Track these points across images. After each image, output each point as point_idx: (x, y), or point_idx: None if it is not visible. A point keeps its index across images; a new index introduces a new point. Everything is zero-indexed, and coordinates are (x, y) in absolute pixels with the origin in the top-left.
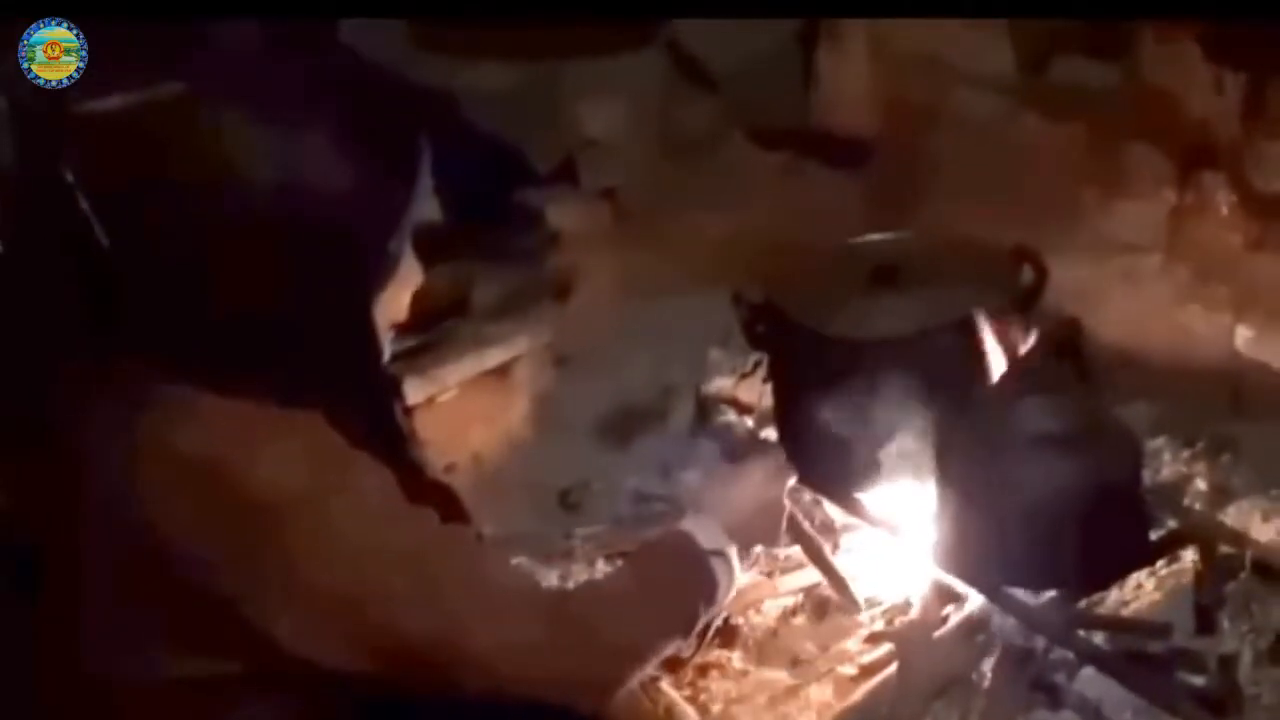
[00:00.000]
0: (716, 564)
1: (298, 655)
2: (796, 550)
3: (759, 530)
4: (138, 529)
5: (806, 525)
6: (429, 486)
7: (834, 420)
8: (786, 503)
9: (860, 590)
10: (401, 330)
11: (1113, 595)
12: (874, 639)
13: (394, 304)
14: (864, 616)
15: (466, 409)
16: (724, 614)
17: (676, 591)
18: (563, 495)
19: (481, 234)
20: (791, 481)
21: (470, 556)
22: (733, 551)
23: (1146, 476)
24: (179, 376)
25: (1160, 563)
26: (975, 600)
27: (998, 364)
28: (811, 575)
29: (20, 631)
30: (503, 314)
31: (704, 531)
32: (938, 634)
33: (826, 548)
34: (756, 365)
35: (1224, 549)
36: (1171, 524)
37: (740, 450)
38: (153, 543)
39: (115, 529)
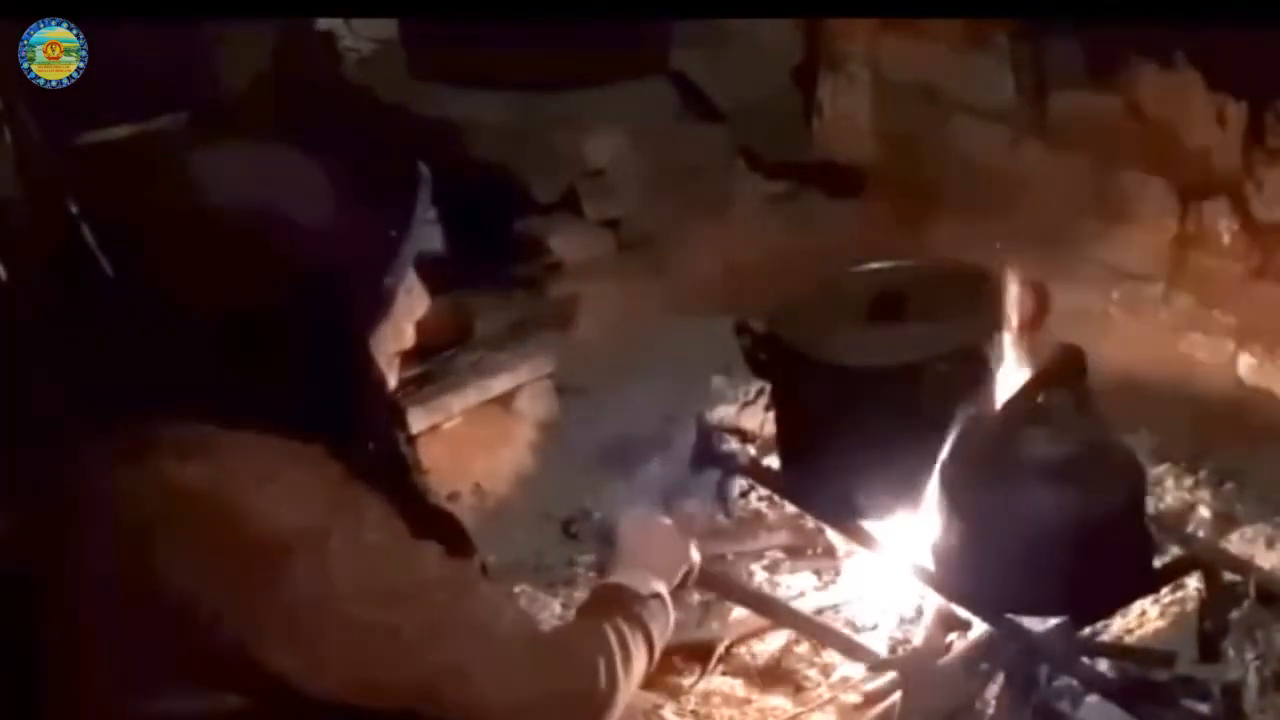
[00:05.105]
0: (654, 605)
1: (298, 689)
2: (798, 579)
3: (672, 564)
4: (139, 563)
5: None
6: (433, 514)
7: (836, 448)
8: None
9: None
10: (406, 359)
11: (1117, 623)
12: (878, 667)
13: (397, 334)
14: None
15: (470, 437)
16: (727, 641)
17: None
18: (565, 523)
19: (485, 264)
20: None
21: (471, 594)
22: (665, 591)
23: (1150, 504)
24: (182, 409)
25: (1164, 590)
26: (979, 628)
27: (1000, 391)
28: (814, 603)
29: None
30: (506, 343)
31: (635, 579)
32: (941, 661)
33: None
34: (759, 393)
35: (1228, 576)
36: (1175, 551)
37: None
38: (154, 577)
39: (117, 564)
